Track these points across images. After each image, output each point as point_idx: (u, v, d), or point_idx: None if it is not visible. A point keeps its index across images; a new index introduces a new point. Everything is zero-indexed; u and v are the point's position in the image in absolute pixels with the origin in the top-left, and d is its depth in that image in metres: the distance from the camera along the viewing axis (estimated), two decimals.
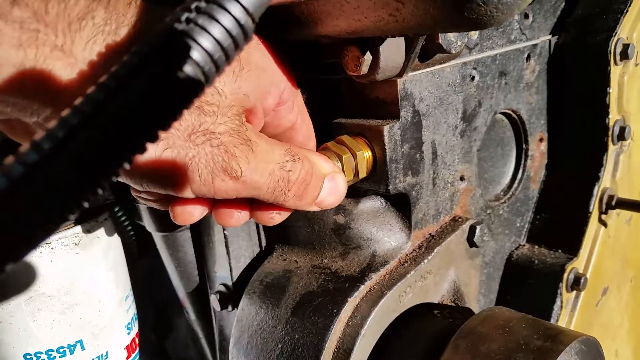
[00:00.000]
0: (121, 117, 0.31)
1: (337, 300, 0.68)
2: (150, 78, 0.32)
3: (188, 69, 0.33)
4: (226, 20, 0.34)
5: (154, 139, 0.32)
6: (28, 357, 0.79)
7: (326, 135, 0.73)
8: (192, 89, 0.33)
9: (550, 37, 0.91)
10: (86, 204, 0.30)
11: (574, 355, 0.59)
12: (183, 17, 0.33)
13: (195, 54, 0.33)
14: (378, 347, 0.69)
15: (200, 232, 0.82)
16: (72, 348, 0.80)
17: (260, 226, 0.81)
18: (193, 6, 0.34)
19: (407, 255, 0.74)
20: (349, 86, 0.72)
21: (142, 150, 0.32)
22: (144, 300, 1.01)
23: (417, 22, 0.47)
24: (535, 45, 0.87)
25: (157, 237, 0.84)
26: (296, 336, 0.69)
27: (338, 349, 0.67)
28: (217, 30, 0.33)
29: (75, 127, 0.30)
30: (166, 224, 0.82)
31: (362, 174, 0.68)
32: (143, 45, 0.33)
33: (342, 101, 0.74)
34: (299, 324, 0.69)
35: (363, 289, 0.69)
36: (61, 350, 0.80)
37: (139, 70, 0.32)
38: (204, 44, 0.33)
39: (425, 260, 0.73)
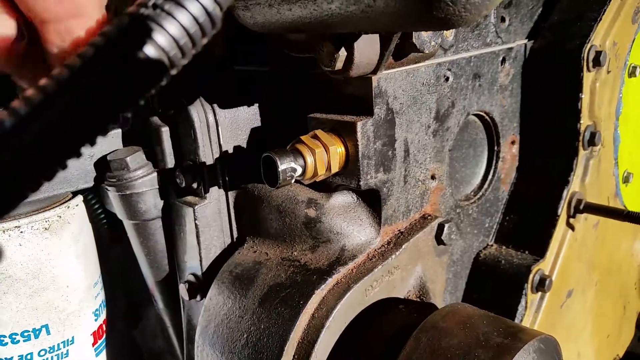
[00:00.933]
0: (84, 97, 0.31)
1: (304, 292, 0.69)
2: (115, 59, 0.32)
3: (152, 52, 0.33)
4: (193, 7, 0.34)
5: (114, 120, 0.33)
6: None
7: (301, 128, 0.73)
8: (156, 73, 0.34)
9: (526, 41, 0.92)
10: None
11: (532, 353, 0.60)
12: (150, 3, 0.34)
13: (160, 38, 0.33)
14: (342, 339, 0.70)
15: (171, 221, 0.82)
16: (37, 332, 0.80)
17: (232, 217, 0.82)
18: None
19: (375, 250, 0.75)
20: (323, 81, 0.73)
21: (104, 132, 0.33)
22: (116, 288, 1.01)
23: (388, 19, 0.48)
24: (510, 49, 0.88)
25: (128, 225, 0.84)
26: (262, 326, 0.69)
27: (302, 340, 0.68)
28: (184, 17, 0.34)
29: (38, 107, 0.30)
30: (137, 211, 0.81)
31: (335, 168, 0.69)
32: (110, 27, 0.33)
33: (317, 96, 0.75)
34: (265, 314, 0.70)
35: (330, 281, 0.70)
36: (26, 334, 0.79)
37: (105, 51, 0.32)
38: (169, 30, 0.33)
39: (393, 256, 0.74)
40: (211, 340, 0.74)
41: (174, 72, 0.35)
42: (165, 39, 0.33)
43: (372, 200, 0.75)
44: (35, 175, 0.30)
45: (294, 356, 0.67)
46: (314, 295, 0.68)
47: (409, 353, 0.64)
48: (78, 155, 0.32)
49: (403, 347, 0.66)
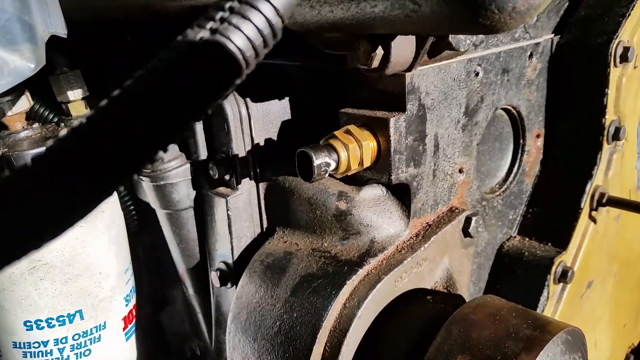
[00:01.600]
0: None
1: (336, 282, 0.71)
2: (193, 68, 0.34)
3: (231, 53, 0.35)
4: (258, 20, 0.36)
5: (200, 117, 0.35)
6: (28, 324, 0.81)
7: (332, 123, 0.75)
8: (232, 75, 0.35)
9: (552, 36, 0.93)
10: None
11: (561, 344, 0.62)
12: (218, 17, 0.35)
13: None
14: (373, 328, 0.72)
15: (203, 211, 0.84)
16: (72, 317, 0.82)
17: (263, 208, 0.83)
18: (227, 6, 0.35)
19: (404, 242, 0.77)
20: (355, 77, 0.74)
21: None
22: (142, 273, 1.04)
23: (433, 24, 0.49)
24: (537, 44, 0.89)
25: (161, 214, 0.86)
26: (294, 315, 0.72)
27: (334, 329, 0.70)
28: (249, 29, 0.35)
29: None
30: (170, 201, 0.83)
31: (367, 163, 0.70)
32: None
33: (348, 91, 0.76)
34: (297, 303, 0.72)
35: (361, 272, 0.72)
36: (61, 319, 0.82)
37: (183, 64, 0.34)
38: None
39: (422, 248, 0.76)
40: (243, 327, 0.76)
41: (243, 78, 0.37)
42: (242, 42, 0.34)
43: (402, 194, 0.76)
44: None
45: (326, 344, 0.70)
46: (345, 286, 0.70)
47: (440, 343, 0.66)
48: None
49: (433, 337, 0.68)
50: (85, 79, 0.84)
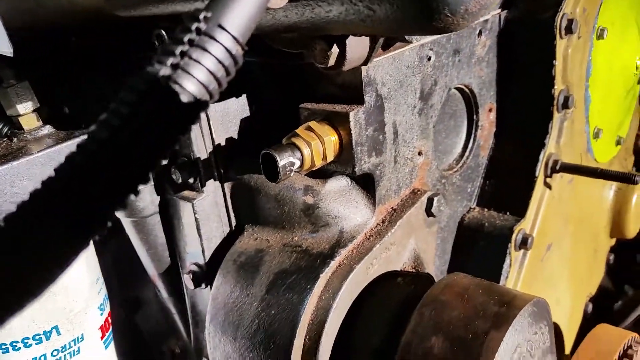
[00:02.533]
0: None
1: (310, 277, 0.72)
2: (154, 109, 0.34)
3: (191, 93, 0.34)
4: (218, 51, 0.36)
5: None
6: (4, 347, 0.80)
7: (292, 118, 0.75)
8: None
9: (500, 11, 0.95)
10: None
11: (527, 317, 0.66)
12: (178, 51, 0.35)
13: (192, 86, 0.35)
14: (349, 316, 0.74)
15: (170, 215, 0.84)
16: (48, 334, 0.82)
17: (230, 207, 0.84)
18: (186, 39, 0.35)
19: (372, 229, 0.79)
20: (313, 72, 0.74)
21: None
22: (111, 279, 1.03)
23: (387, 27, 0.49)
24: (486, 21, 0.91)
25: (127, 222, 0.86)
26: (272, 312, 0.73)
27: (312, 322, 0.72)
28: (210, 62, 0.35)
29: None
30: (135, 209, 0.83)
31: (330, 157, 0.71)
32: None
33: (307, 86, 0.76)
34: (274, 300, 0.73)
35: (333, 264, 0.73)
36: (37, 337, 0.81)
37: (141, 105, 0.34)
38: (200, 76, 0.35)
39: (389, 233, 0.78)
40: (222, 327, 0.77)
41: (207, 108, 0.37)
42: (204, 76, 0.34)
43: (366, 183, 0.78)
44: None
45: (305, 337, 0.72)
46: (319, 279, 0.72)
47: (415, 327, 0.68)
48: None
49: (407, 319, 0.71)
50: (34, 89, 0.82)
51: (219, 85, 0.36)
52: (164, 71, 0.34)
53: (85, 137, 0.33)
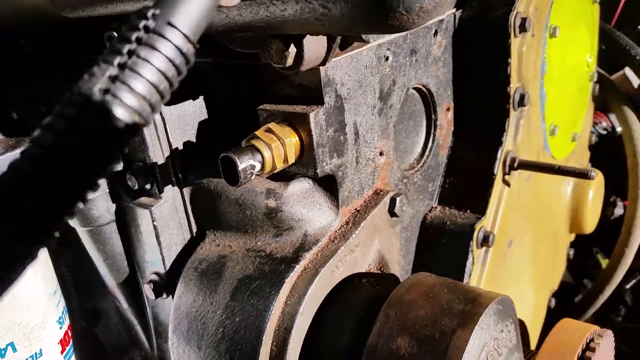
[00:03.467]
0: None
1: (274, 282, 0.71)
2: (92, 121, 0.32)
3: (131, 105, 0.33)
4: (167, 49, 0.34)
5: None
6: None
7: (250, 119, 0.74)
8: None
9: (454, 10, 0.95)
10: None
11: (493, 315, 0.66)
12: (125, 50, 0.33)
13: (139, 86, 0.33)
14: (315, 320, 0.73)
15: (127, 223, 0.81)
16: (3, 352, 0.78)
17: (190, 213, 0.82)
18: (134, 37, 0.34)
19: (336, 231, 0.78)
20: (271, 72, 0.73)
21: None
22: (69, 290, 0.99)
23: (343, 26, 0.49)
24: (441, 21, 0.91)
25: (82, 232, 0.83)
26: (237, 319, 0.71)
27: (278, 328, 0.71)
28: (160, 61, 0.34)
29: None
30: (90, 218, 0.80)
31: (291, 159, 0.70)
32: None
33: (265, 86, 0.75)
34: (238, 307, 0.72)
35: (298, 268, 0.72)
36: None
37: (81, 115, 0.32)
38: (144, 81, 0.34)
39: (353, 235, 0.78)
40: (186, 337, 0.75)
41: (154, 115, 0.35)
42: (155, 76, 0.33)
43: (329, 185, 0.77)
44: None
45: (272, 344, 0.70)
46: (284, 284, 0.71)
47: (380, 328, 0.68)
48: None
49: (373, 320, 0.70)
50: None
51: (170, 84, 0.35)
52: (111, 71, 0.33)
53: (29, 143, 0.32)
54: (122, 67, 0.33)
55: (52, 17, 0.64)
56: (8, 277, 0.33)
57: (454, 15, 0.95)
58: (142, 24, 0.34)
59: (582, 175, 1.00)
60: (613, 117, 1.62)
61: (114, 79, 0.32)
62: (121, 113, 0.32)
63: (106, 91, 0.32)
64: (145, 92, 0.33)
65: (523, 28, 0.92)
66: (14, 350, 0.78)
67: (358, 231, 0.78)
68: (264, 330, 0.69)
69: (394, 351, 0.66)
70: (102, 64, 0.33)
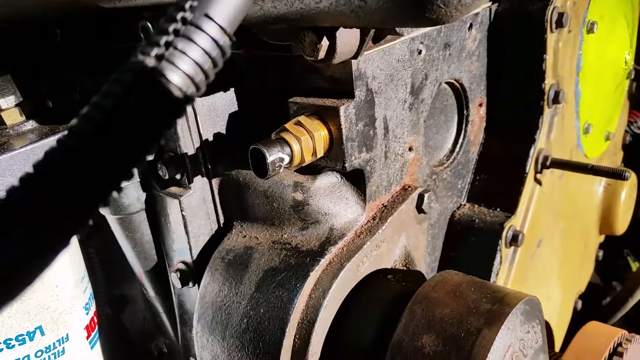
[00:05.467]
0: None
1: (299, 274, 0.71)
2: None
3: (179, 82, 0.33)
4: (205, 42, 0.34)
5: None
6: None
7: (281, 112, 0.74)
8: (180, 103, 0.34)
9: (490, 4, 0.94)
10: None
11: (520, 315, 0.65)
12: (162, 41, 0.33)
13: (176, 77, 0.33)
14: (339, 314, 0.73)
15: (156, 212, 0.82)
16: (32, 335, 0.80)
17: (218, 203, 0.82)
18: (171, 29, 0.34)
19: (362, 226, 0.77)
20: (302, 64, 0.72)
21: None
22: (97, 277, 1.01)
23: (379, 19, 0.48)
24: (477, 14, 0.90)
25: (112, 220, 0.84)
26: (261, 310, 0.72)
27: (302, 320, 0.71)
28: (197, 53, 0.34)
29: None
30: (120, 206, 0.81)
31: (320, 153, 0.70)
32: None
33: (296, 79, 0.75)
34: (263, 298, 0.72)
35: (323, 262, 0.72)
36: (20, 338, 0.79)
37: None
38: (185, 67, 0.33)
39: (380, 230, 0.77)
40: (210, 327, 0.76)
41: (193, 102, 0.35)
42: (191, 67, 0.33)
43: (356, 179, 0.77)
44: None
45: (295, 336, 0.70)
46: (309, 277, 0.71)
47: (406, 325, 0.67)
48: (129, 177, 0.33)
49: (398, 317, 0.70)
50: (16, 83, 0.79)
51: (206, 76, 0.35)
52: (149, 62, 0.33)
53: (66, 132, 0.32)
54: (159, 58, 0.33)
55: (88, 7, 0.65)
56: (43, 263, 0.33)
57: (490, 9, 0.93)
58: (179, 15, 0.33)
59: (616, 175, 0.98)
60: None
61: (151, 69, 0.32)
62: (170, 89, 0.32)
63: (152, 70, 0.32)
64: (181, 84, 0.33)
65: (560, 23, 0.90)
66: (42, 333, 0.80)
67: (385, 227, 0.77)
68: (287, 322, 0.69)
69: (418, 348, 0.66)
70: (139, 55, 0.33)
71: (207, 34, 0.34)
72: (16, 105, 0.79)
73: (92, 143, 0.31)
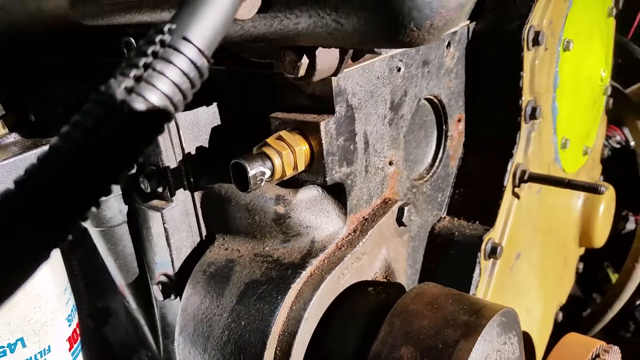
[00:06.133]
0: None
1: (281, 287, 0.72)
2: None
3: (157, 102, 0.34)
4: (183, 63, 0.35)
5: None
6: None
7: (262, 127, 0.75)
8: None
9: (468, 22, 0.96)
10: None
11: (496, 327, 0.66)
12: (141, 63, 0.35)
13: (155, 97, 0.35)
14: (320, 326, 0.74)
15: (138, 225, 0.83)
16: (13, 347, 0.80)
17: (200, 217, 0.83)
18: (150, 51, 0.35)
19: (343, 239, 0.79)
20: (283, 81, 0.74)
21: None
22: (79, 289, 1.01)
23: (355, 40, 0.50)
24: (455, 33, 0.92)
25: (94, 232, 0.84)
26: (242, 323, 0.72)
27: (283, 333, 0.71)
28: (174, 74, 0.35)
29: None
30: (102, 219, 0.81)
31: (301, 167, 0.71)
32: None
33: (277, 94, 0.76)
34: (244, 311, 0.73)
35: (304, 274, 0.73)
36: (0, 350, 0.79)
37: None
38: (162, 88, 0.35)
39: (360, 243, 0.78)
40: (192, 339, 0.77)
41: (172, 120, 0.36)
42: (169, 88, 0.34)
43: (337, 192, 0.78)
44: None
45: (276, 348, 0.71)
46: (290, 290, 0.72)
47: (384, 337, 0.69)
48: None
49: (378, 328, 0.71)
50: None
51: (184, 97, 0.36)
52: (128, 84, 0.34)
53: (47, 148, 0.33)
54: (137, 79, 0.34)
55: (71, 24, 0.66)
56: (23, 275, 0.34)
57: (468, 27, 0.95)
58: (158, 38, 0.35)
59: (592, 190, 1.00)
60: (627, 130, 1.61)
61: (129, 90, 0.34)
62: (147, 108, 0.33)
63: (122, 102, 0.33)
64: (159, 104, 0.34)
65: (536, 42, 0.92)
66: (24, 345, 0.80)
67: (365, 239, 0.79)
68: (268, 334, 0.70)
69: None
70: (118, 77, 0.34)
71: (185, 56, 0.35)
72: None
73: (72, 161, 0.32)
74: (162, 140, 0.76)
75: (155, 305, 0.88)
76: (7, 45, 0.85)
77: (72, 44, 0.84)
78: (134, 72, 0.34)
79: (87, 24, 0.64)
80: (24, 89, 0.86)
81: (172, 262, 0.81)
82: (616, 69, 1.39)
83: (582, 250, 1.46)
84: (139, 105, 0.33)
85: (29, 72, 0.87)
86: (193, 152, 0.80)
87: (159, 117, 0.34)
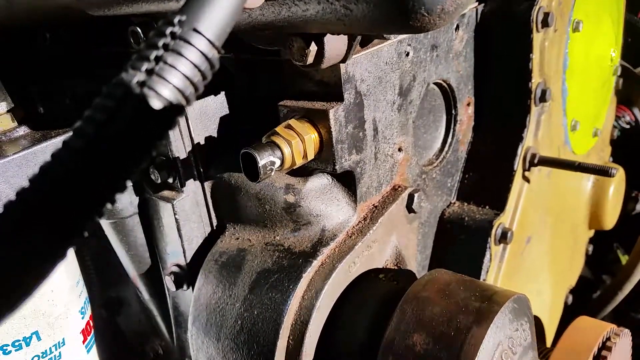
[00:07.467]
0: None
1: (292, 276, 0.72)
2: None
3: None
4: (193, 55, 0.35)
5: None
6: None
7: (271, 115, 0.75)
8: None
9: (477, 4, 0.95)
10: None
11: (508, 313, 0.66)
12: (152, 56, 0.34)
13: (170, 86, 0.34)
14: (332, 315, 0.74)
15: (149, 216, 0.83)
16: (28, 340, 0.80)
17: (210, 206, 0.83)
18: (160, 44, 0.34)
19: (353, 227, 0.79)
20: (292, 68, 0.73)
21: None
22: (91, 281, 1.02)
23: (364, 26, 0.49)
24: (463, 15, 0.91)
25: (106, 224, 0.84)
26: (255, 312, 0.73)
27: (295, 322, 0.72)
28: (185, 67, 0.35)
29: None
30: (113, 210, 0.82)
31: (310, 156, 0.71)
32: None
33: (285, 82, 0.76)
34: (257, 300, 0.73)
35: (316, 263, 0.73)
36: (17, 343, 0.80)
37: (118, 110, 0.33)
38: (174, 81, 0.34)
39: (371, 231, 0.78)
40: (205, 329, 0.77)
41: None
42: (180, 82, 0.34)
43: (347, 180, 0.78)
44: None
45: (288, 337, 0.71)
46: (302, 279, 0.72)
47: (397, 324, 0.69)
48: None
49: (390, 315, 0.71)
50: (7, 89, 0.80)
51: (196, 89, 0.36)
52: (139, 77, 0.34)
53: (60, 146, 0.33)
54: (149, 73, 0.34)
55: (77, 14, 0.65)
56: (40, 274, 0.34)
57: (476, 9, 0.94)
58: (168, 30, 0.34)
59: (603, 172, 0.99)
60: (637, 110, 1.59)
61: (142, 84, 0.33)
62: (160, 103, 0.33)
63: (142, 84, 0.33)
64: (171, 98, 0.34)
65: (545, 23, 0.91)
66: (39, 338, 0.81)
67: (375, 227, 0.79)
68: (281, 323, 0.70)
69: (410, 347, 0.67)
70: (130, 70, 0.34)
71: (196, 48, 0.35)
72: (8, 111, 0.80)
73: (86, 157, 0.32)
74: (172, 130, 0.76)
75: (167, 295, 0.89)
76: (12, 37, 0.84)
77: (80, 33, 0.83)
78: (145, 66, 0.34)
79: (92, 14, 0.64)
80: (30, 81, 0.85)
81: (184, 252, 0.81)
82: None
83: (591, 233, 1.45)
84: (152, 100, 0.33)
85: (35, 64, 0.87)
86: (202, 142, 0.80)
87: (171, 111, 0.34)
